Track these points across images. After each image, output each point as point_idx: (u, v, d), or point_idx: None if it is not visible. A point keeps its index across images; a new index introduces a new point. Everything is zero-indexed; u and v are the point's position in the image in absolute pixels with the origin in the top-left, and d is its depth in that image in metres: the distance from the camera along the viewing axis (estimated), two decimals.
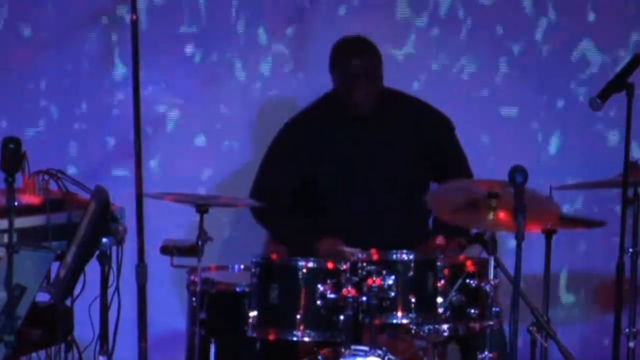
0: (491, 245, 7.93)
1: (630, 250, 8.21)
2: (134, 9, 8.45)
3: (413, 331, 8.06)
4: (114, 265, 7.46)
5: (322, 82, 9.48)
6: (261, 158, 9.36)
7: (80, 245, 7.35)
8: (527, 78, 10.80)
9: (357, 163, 9.18)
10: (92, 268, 7.47)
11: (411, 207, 9.03)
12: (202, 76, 10.44)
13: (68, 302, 7.56)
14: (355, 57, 9.16)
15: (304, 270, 8.07)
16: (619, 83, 8.08)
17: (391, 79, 9.75)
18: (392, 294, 7.87)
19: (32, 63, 10.56)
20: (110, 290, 7.51)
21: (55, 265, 7.37)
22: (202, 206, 8.10)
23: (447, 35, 10.80)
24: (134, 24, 8.53)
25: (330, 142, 9.22)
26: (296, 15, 10.80)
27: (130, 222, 7.72)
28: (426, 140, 9.30)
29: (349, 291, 7.88)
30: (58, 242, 7.40)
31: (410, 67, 10.78)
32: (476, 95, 10.68)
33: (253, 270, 8.07)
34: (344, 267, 8.05)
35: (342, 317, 7.85)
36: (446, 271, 8.01)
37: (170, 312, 9.31)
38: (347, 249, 8.65)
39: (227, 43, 10.55)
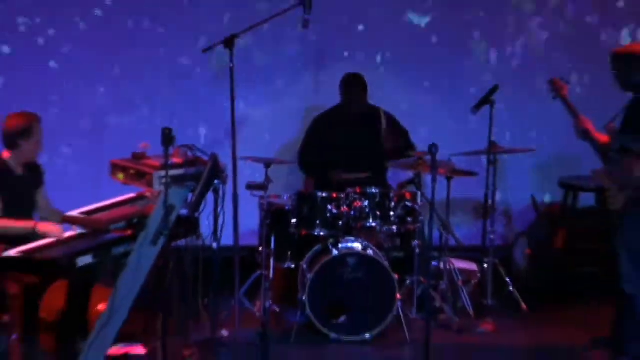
0: (419, 184, 9.55)
1: (491, 187, 9.65)
2: None
3: (378, 229, 9.47)
4: (220, 194, 8.45)
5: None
6: (305, 133, 10.69)
7: (203, 185, 8.10)
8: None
9: (349, 138, 10.30)
10: (209, 196, 8.27)
11: (377, 163, 10.25)
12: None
13: (196, 215, 8.19)
14: (348, 76, 10.33)
15: (320, 198, 9.52)
16: (485, 101, 9.57)
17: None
18: (367, 210, 9.42)
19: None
20: (219, 208, 8.54)
21: (189, 195, 8.15)
22: (268, 163, 9.64)
23: None
24: None
25: (336, 129, 10.39)
26: None
27: (229, 172, 8.63)
28: (392, 135, 10.27)
29: (345, 209, 9.44)
30: (191, 182, 8.06)
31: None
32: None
33: (293, 197, 9.63)
34: (342, 195, 9.51)
35: (340, 222, 9.40)
36: (395, 198, 9.52)
37: (250, 219, 9.99)
38: (346, 175, 10.02)
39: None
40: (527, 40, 11.37)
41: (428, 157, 8.32)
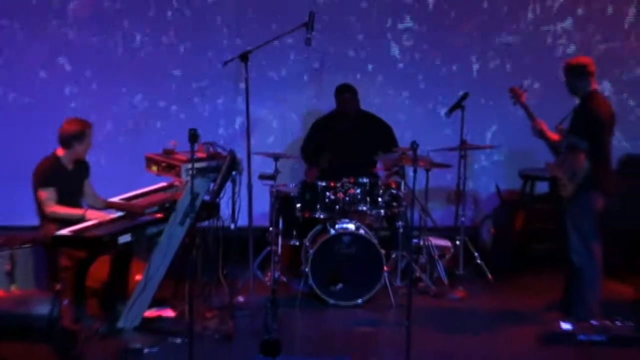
0: (402, 175, 9.64)
1: (462, 178, 9.82)
2: None
3: (368, 212, 9.55)
4: (237, 183, 8.38)
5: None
6: (305, 134, 10.64)
7: (223, 176, 8.28)
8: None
9: (343, 138, 10.23)
10: (228, 185, 8.29)
11: (370, 157, 9.95)
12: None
13: (217, 200, 8.47)
14: (341, 86, 10.28)
15: (320, 186, 9.51)
16: (457, 106, 9.71)
17: None
18: (359, 197, 9.48)
19: None
20: (236, 195, 8.42)
21: (211, 185, 8.34)
22: (276, 157, 9.69)
23: None
24: None
25: (332, 129, 10.34)
26: None
27: (244, 165, 8.67)
28: (375, 131, 10.30)
29: (340, 195, 9.47)
30: (213, 174, 8.28)
31: None
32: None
33: (298, 186, 9.68)
34: (339, 184, 9.47)
35: (337, 207, 9.47)
36: (382, 187, 9.56)
37: (262, 204, 9.96)
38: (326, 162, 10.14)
39: None
40: (500, 55, 11.17)
41: (410, 153, 8.31)
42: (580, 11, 11.11)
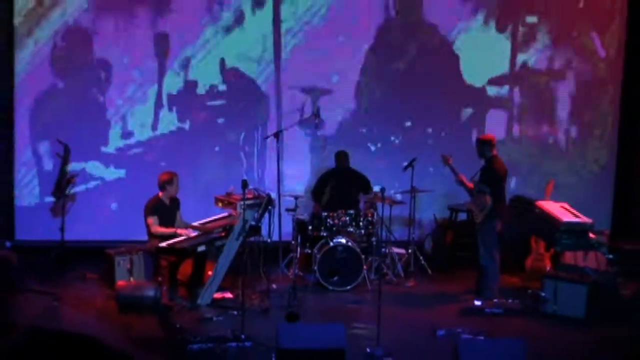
0: (375, 208, 9.41)
1: (413, 210, 9.35)
2: None
3: (354, 232, 9.31)
4: (272, 214, 8.47)
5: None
6: (315, 182, 10.03)
7: (262, 209, 8.25)
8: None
9: (338, 185, 9.76)
10: (265, 215, 8.36)
11: (355, 197, 9.74)
12: None
13: (259, 224, 8.33)
14: (340, 153, 9.85)
15: (323, 215, 9.32)
16: (409, 165, 9.27)
17: None
18: (348, 222, 9.30)
19: None
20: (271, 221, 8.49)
21: (255, 214, 8.28)
22: (296, 197, 9.54)
23: None
24: None
25: (332, 180, 9.82)
26: None
27: (276, 202, 8.63)
28: (358, 181, 9.76)
29: (336, 221, 9.30)
30: (256, 207, 8.26)
31: None
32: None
33: (310, 215, 9.48)
34: (335, 214, 9.26)
35: (334, 228, 9.27)
36: (362, 216, 9.33)
37: (287, 227, 9.49)
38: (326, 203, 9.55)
39: None
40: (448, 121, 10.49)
41: (380, 194, 8.26)
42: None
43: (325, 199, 9.78)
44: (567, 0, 10.29)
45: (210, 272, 8.56)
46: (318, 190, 10.05)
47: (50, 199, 9.75)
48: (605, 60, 10.45)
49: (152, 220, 8.56)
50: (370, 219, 9.42)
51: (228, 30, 10.14)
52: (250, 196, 8.30)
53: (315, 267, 9.06)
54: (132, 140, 10.16)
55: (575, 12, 10.34)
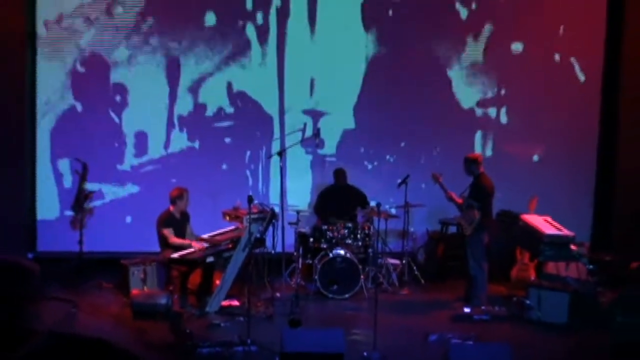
0: (371, 221, 9.43)
1: (407, 223, 9.43)
2: None
3: (352, 243, 9.30)
4: (275, 227, 8.62)
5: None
6: (316, 198, 9.99)
7: (267, 222, 8.40)
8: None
9: (338, 200, 9.76)
10: (270, 228, 8.46)
11: (353, 210, 9.68)
12: None
13: (264, 237, 8.42)
14: (338, 170, 9.85)
15: (323, 228, 9.30)
16: (403, 182, 9.21)
17: None
18: (346, 234, 9.30)
19: None
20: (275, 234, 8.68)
21: (260, 227, 8.31)
22: (298, 211, 9.54)
23: None
24: None
25: (332, 195, 9.83)
26: None
27: (280, 216, 8.78)
28: (356, 196, 9.73)
29: (335, 234, 9.30)
30: (261, 221, 8.27)
31: None
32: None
33: (311, 229, 9.46)
34: (334, 227, 9.24)
35: (333, 240, 9.27)
36: (360, 229, 9.34)
37: (290, 239, 9.49)
38: (333, 219, 9.32)
39: None
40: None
41: (376, 209, 8.25)
42: None
43: (326, 214, 9.72)
44: (549, 27, 10.28)
45: (218, 282, 8.53)
46: (319, 206, 10.01)
47: (69, 213, 9.80)
48: (585, 84, 10.44)
49: (168, 232, 8.53)
50: (367, 232, 9.42)
51: (235, 57, 10.19)
52: (255, 211, 8.27)
53: (316, 277, 9.04)
54: (145, 159, 10.21)
55: (555, 39, 10.30)
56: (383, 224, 9.32)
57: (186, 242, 8.53)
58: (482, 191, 8.49)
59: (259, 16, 10.12)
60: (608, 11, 10.19)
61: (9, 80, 9.48)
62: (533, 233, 8.62)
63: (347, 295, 9.03)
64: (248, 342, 7.27)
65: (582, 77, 10.52)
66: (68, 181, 9.99)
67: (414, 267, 9.85)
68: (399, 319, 8.35)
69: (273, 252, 8.80)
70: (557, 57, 10.40)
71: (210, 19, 10.03)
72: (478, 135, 10.51)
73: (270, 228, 8.50)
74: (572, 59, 10.41)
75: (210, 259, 8.36)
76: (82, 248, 9.13)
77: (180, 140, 10.24)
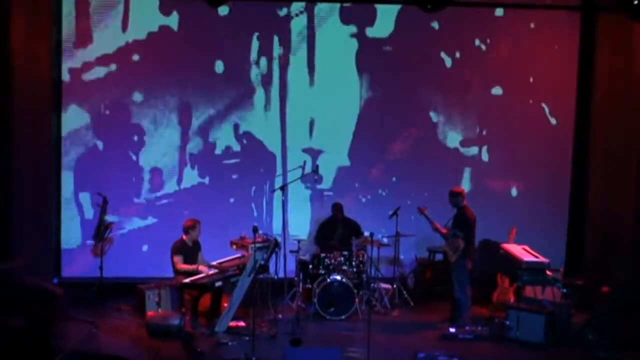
0: (365, 249, 9.32)
1: (397, 251, 9.35)
2: None
3: (347, 270, 9.28)
4: (278, 255, 8.61)
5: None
6: (317, 229, 10.01)
7: (270, 251, 8.47)
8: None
9: (335, 231, 9.78)
10: (273, 256, 8.49)
11: (349, 239, 9.55)
12: None
13: (267, 264, 8.43)
14: (336, 204, 9.85)
15: (322, 256, 9.34)
16: (394, 214, 9.18)
17: None
18: (343, 261, 9.31)
19: None
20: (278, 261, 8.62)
21: (264, 255, 8.38)
22: (299, 240, 9.44)
23: None
24: None
25: (330, 227, 9.86)
26: None
27: (282, 245, 8.68)
28: (351, 227, 9.71)
29: (332, 261, 9.32)
30: (265, 249, 8.35)
31: None
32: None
33: (311, 256, 9.45)
34: (331, 255, 9.26)
35: (331, 266, 9.25)
36: (355, 256, 9.34)
37: (291, 265, 9.42)
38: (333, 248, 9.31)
39: None
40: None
41: (369, 238, 8.64)
42: None
43: (325, 244, 9.70)
44: (521, 76, 10.32)
45: (226, 304, 8.56)
46: (319, 236, 10.00)
47: (90, 242, 9.81)
48: (557, 126, 10.46)
49: (177, 259, 8.54)
50: (361, 259, 9.41)
51: (241, 101, 10.25)
52: (260, 240, 8.28)
53: (315, 300, 9.03)
54: (160, 193, 10.23)
55: (528, 86, 10.36)
56: (376, 251, 9.34)
57: (192, 267, 8.51)
58: (466, 222, 8.53)
59: (263, 65, 10.20)
60: (579, 60, 10.22)
61: (38, 122, 9.51)
62: (512, 260, 8.69)
63: (343, 317, 9.01)
64: (253, 359, 7.31)
65: (553, 121, 10.57)
66: (89, 213, 9.99)
67: (404, 291, 9.79)
68: (391, 338, 8.35)
69: (276, 277, 8.79)
70: (530, 101, 10.45)
71: (219, 67, 10.14)
72: (462, 171, 10.50)
73: (274, 256, 8.52)
74: (543, 105, 10.44)
75: (218, 284, 8.37)
76: (103, 274, 9.17)
77: (191, 177, 10.25)
